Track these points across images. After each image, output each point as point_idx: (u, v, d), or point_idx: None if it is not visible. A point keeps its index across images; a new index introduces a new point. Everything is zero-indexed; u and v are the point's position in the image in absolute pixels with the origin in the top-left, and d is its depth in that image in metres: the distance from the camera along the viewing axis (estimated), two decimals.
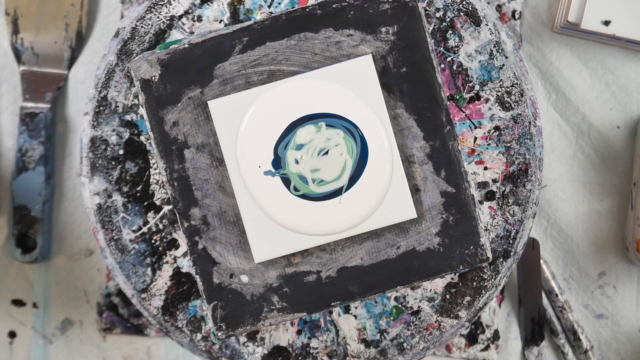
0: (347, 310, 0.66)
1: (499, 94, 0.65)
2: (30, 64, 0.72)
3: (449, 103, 0.64)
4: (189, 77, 0.60)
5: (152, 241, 0.65)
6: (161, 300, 0.65)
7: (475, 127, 0.65)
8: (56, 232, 0.73)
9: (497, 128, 0.65)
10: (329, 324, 0.66)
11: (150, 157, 0.65)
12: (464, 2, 0.65)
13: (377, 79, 0.60)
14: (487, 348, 0.72)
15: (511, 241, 0.65)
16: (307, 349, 0.66)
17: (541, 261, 0.72)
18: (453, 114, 0.65)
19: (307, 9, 0.60)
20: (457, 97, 0.65)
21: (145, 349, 0.73)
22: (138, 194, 0.65)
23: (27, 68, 0.72)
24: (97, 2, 0.73)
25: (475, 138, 0.65)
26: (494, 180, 0.65)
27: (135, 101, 0.65)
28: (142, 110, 0.62)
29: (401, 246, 0.61)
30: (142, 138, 0.65)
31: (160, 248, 0.65)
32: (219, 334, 0.61)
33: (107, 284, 0.72)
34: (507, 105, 0.65)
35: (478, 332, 0.72)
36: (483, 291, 0.65)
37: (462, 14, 0.65)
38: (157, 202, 0.65)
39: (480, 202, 0.65)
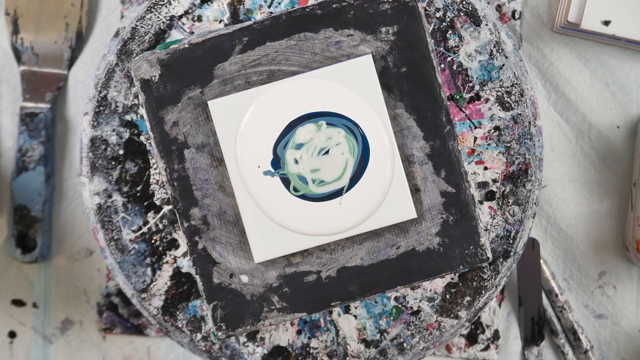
0: (347, 310, 0.66)
1: (499, 94, 0.65)
2: (30, 64, 0.72)
3: (449, 103, 0.64)
4: (189, 77, 0.60)
5: (152, 241, 0.65)
6: (161, 300, 0.65)
7: (475, 127, 0.65)
8: (56, 232, 0.73)
9: (497, 128, 0.65)
10: (329, 324, 0.66)
11: (150, 157, 0.65)
12: (464, 2, 0.65)
13: (377, 79, 0.60)
14: (487, 348, 0.72)
15: (511, 241, 0.65)
16: (307, 349, 0.66)
17: (541, 261, 0.72)
18: (453, 114, 0.65)
19: (307, 9, 0.60)
20: (457, 97, 0.65)
21: (145, 349, 0.73)
22: (138, 194, 0.65)
23: (27, 68, 0.72)
24: (97, 2, 0.73)
25: (475, 138, 0.65)
26: (494, 180, 0.65)
27: (135, 101, 0.65)
28: (142, 110, 0.62)
29: (401, 246, 0.61)
30: (142, 138, 0.65)
31: (160, 248, 0.65)
32: (219, 334, 0.61)
33: (107, 284, 0.72)
34: (507, 105, 0.65)
35: (478, 332, 0.72)
36: (483, 291, 0.65)
37: (462, 14, 0.65)
38: (157, 202, 0.65)
39: (480, 202, 0.65)
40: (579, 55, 0.73)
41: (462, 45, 0.65)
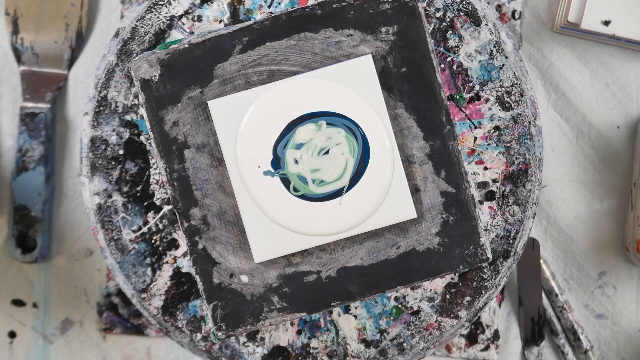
0: (347, 310, 0.66)
1: (499, 94, 0.65)
2: (30, 64, 0.72)
3: (449, 103, 0.64)
4: (189, 77, 0.60)
5: (152, 241, 0.65)
6: (161, 300, 0.65)
7: (475, 127, 0.65)
8: (56, 232, 0.73)
9: (497, 128, 0.65)
10: (329, 324, 0.66)
11: (150, 157, 0.65)
12: (464, 2, 0.65)
13: (377, 79, 0.60)
14: (487, 348, 0.72)
15: (511, 241, 0.65)
16: (307, 349, 0.66)
17: (541, 261, 0.72)
18: (453, 114, 0.65)
19: (307, 9, 0.60)
20: (457, 97, 0.65)
21: (145, 349, 0.73)
22: (138, 194, 0.65)
23: (27, 68, 0.72)
24: (97, 2, 0.73)
25: (475, 138, 0.65)
26: (494, 180, 0.65)
27: (135, 101, 0.65)
28: (142, 110, 0.62)
29: (401, 246, 0.61)
30: (142, 138, 0.65)
31: (160, 248, 0.65)
32: (219, 334, 0.61)
33: (107, 284, 0.72)
34: (507, 105, 0.65)
35: (478, 332, 0.72)
36: (483, 291, 0.65)
37: (462, 14, 0.65)
38: (157, 202, 0.65)
39: (480, 202, 0.65)
40: (579, 55, 0.73)
41: (462, 45, 0.65)
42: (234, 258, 0.61)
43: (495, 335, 0.72)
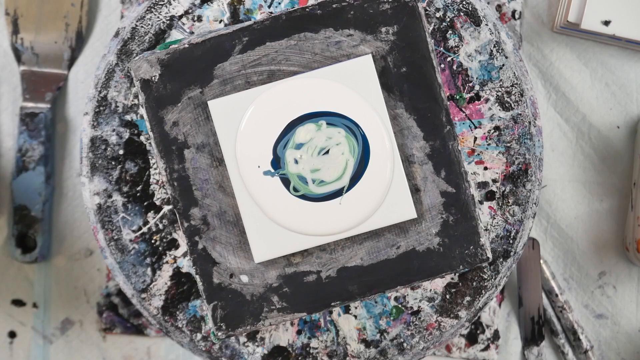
0: (347, 310, 0.66)
1: (499, 94, 0.65)
2: (30, 64, 0.72)
3: (449, 103, 0.64)
4: (189, 77, 0.61)
5: (152, 241, 0.65)
6: (161, 300, 0.65)
7: (475, 127, 0.65)
8: (56, 232, 0.73)
9: (497, 128, 0.65)
10: (329, 324, 0.66)
11: (150, 157, 0.65)
12: (464, 2, 0.65)
13: (377, 79, 0.60)
14: (487, 348, 0.72)
15: (511, 241, 0.65)
16: (307, 349, 0.66)
17: (541, 261, 0.72)
18: (453, 114, 0.65)
19: (307, 9, 0.60)
20: (457, 97, 0.65)
21: (145, 349, 0.73)
22: (138, 194, 0.65)
23: (27, 68, 0.72)
24: (97, 2, 0.73)
25: (475, 138, 0.65)
26: (494, 180, 0.65)
27: (135, 101, 0.65)
28: (142, 110, 0.62)
29: (401, 246, 0.61)
30: (142, 138, 0.65)
31: (160, 248, 0.65)
32: (219, 334, 0.61)
33: (107, 284, 0.72)
34: (507, 105, 0.65)
35: (478, 332, 0.72)
36: (483, 291, 0.65)
37: (462, 14, 0.65)
38: (157, 202, 0.65)
39: (480, 202, 0.65)
40: (579, 55, 0.73)
41: (462, 45, 0.65)
42: (234, 258, 0.61)
43: (495, 335, 0.72)
